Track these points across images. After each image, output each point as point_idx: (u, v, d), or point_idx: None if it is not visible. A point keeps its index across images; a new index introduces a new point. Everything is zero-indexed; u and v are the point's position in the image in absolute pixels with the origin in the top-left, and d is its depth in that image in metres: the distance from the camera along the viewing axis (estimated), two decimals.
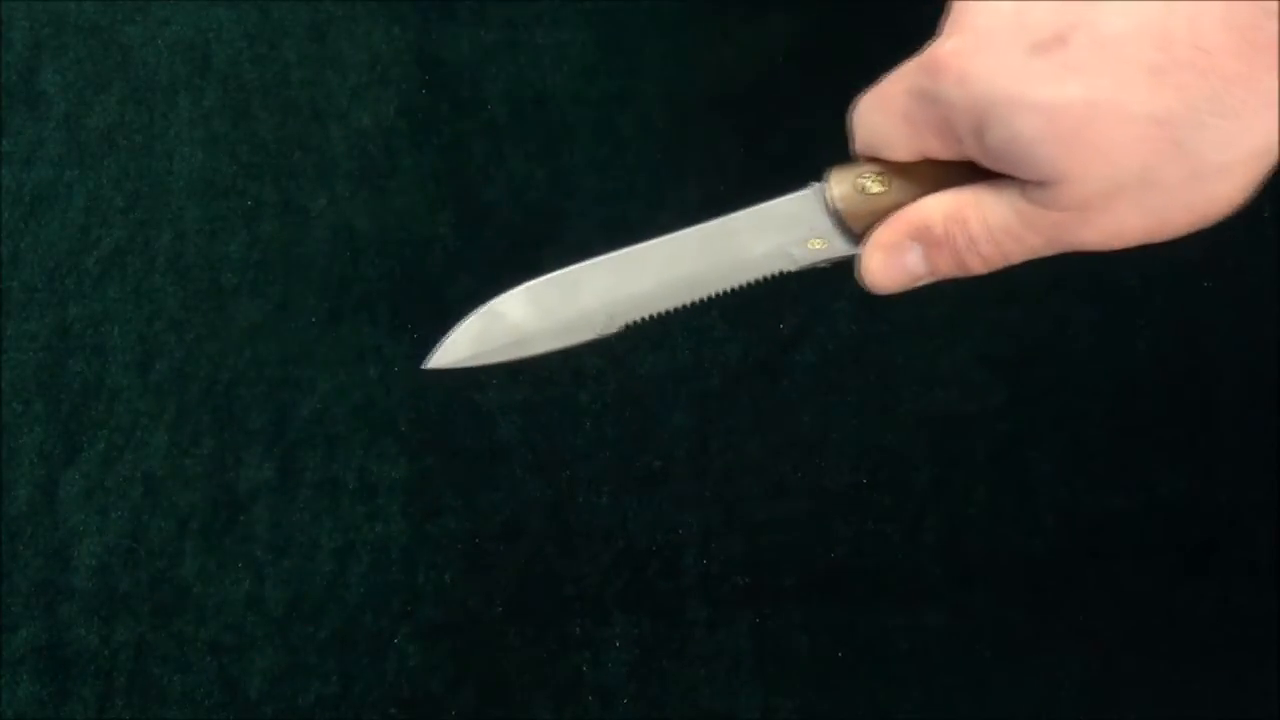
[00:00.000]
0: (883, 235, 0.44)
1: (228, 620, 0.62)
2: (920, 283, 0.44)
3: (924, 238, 0.43)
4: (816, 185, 0.47)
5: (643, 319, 0.49)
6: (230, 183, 0.68)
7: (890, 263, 0.44)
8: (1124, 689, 0.61)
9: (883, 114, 0.42)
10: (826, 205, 0.46)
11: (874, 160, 0.45)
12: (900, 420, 0.64)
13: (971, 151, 0.39)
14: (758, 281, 0.49)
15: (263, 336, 0.65)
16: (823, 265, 0.48)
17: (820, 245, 0.47)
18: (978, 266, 0.42)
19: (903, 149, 0.42)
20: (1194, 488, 0.63)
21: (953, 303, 0.65)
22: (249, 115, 0.69)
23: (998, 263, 0.42)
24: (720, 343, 0.65)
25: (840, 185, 0.46)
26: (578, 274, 0.50)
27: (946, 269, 0.43)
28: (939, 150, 0.41)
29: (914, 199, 0.44)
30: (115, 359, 0.65)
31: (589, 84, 0.69)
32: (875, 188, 0.45)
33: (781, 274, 0.48)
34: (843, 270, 0.67)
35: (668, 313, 0.49)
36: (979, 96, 0.37)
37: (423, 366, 0.49)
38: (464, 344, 0.50)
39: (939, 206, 0.42)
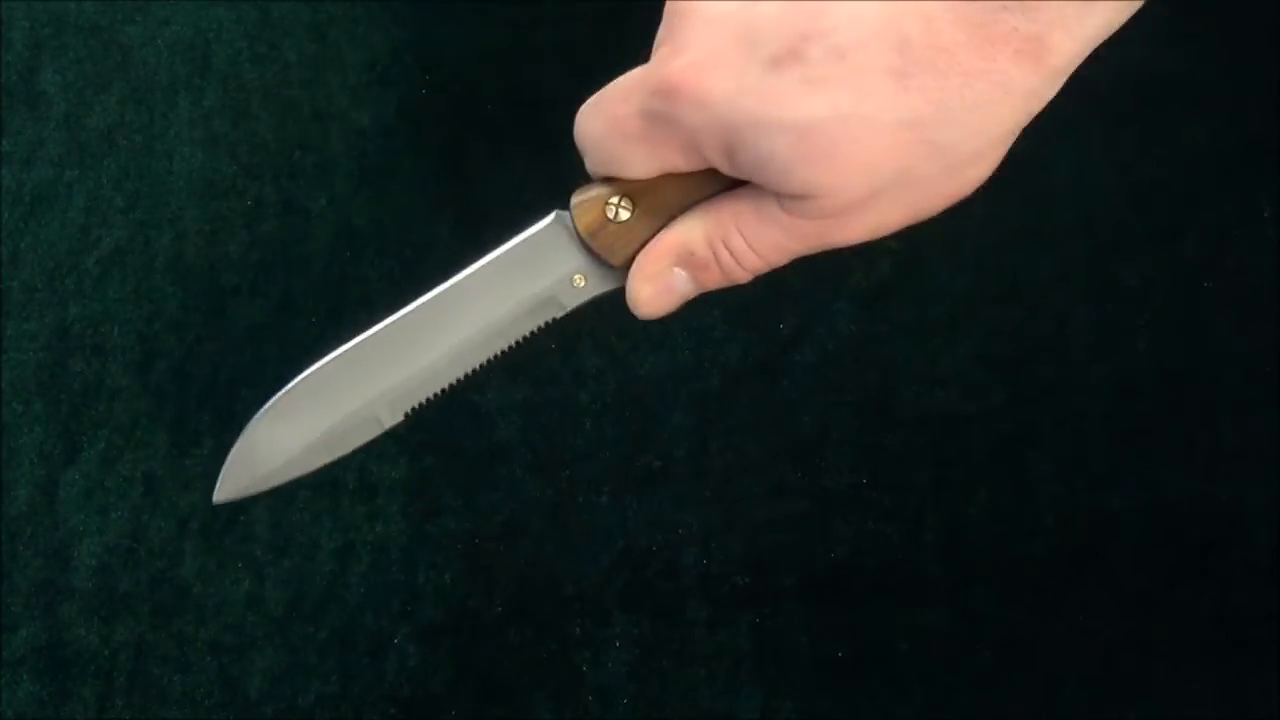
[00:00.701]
0: (647, 266, 0.42)
1: (228, 620, 0.62)
2: (689, 298, 0.43)
3: (688, 262, 0.41)
4: (561, 215, 0.45)
5: (427, 399, 0.45)
6: (230, 183, 0.68)
7: (658, 290, 0.42)
8: (1124, 689, 0.61)
9: (616, 137, 0.40)
10: (577, 238, 0.44)
11: (614, 181, 0.42)
12: (900, 420, 0.64)
13: (721, 167, 0.38)
14: (533, 333, 0.45)
15: (263, 336, 0.65)
16: (590, 301, 0.45)
17: (582, 282, 0.45)
18: (744, 278, 0.41)
19: (643, 168, 0.41)
20: (1194, 488, 0.63)
21: (953, 303, 0.65)
22: (249, 115, 0.69)
23: (763, 270, 0.41)
24: (720, 343, 0.65)
25: (586, 216, 0.43)
26: (327, 374, 0.45)
27: (714, 284, 0.42)
28: (683, 165, 0.40)
29: (667, 217, 0.42)
30: (115, 359, 0.65)
31: (589, 84, 0.69)
32: (623, 214, 0.43)
33: (554, 320, 0.45)
34: (842, 269, 0.67)
35: (453, 385, 0.45)
36: (722, 119, 0.36)
37: (214, 500, 0.46)
38: (240, 476, 0.47)
39: (698, 227, 0.41)
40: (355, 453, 0.45)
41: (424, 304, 0.45)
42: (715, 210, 0.41)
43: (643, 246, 0.43)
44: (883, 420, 0.64)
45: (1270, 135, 0.64)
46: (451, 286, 0.45)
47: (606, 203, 0.43)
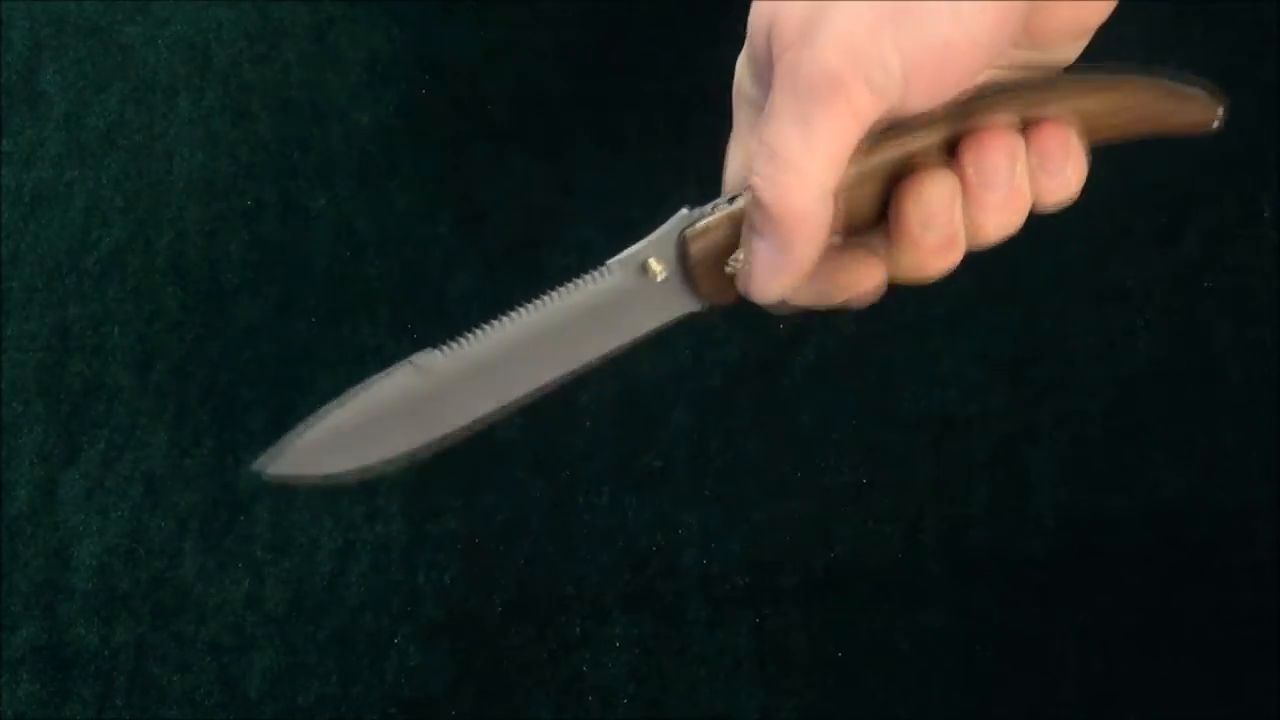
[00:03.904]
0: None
1: (228, 620, 0.62)
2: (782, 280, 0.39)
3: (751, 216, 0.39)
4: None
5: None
6: (230, 183, 0.68)
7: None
8: (1124, 689, 0.61)
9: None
10: (681, 256, 0.41)
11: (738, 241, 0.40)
12: (900, 420, 0.64)
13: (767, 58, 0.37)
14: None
15: (263, 336, 0.65)
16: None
17: (660, 268, 0.42)
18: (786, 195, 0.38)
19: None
20: (1194, 488, 0.63)
21: (953, 303, 0.65)
22: (249, 115, 0.69)
23: (795, 183, 0.37)
24: (720, 343, 0.65)
25: (700, 252, 0.40)
26: (430, 391, 0.42)
27: (767, 226, 0.39)
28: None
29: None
30: (115, 359, 0.65)
31: (589, 84, 0.69)
32: (730, 268, 0.42)
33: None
34: None
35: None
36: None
37: (267, 474, 0.42)
38: (306, 461, 0.43)
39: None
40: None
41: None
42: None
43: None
44: (883, 420, 0.64)
45: (1270, 135, 0.64)
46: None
47: (728, 253, 0.41)
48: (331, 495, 0.63)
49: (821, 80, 0.35)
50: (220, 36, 0.69)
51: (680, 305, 0.43)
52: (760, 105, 0.38)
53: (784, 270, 0.39)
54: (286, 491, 0.63)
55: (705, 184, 0.71)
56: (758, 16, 0.37)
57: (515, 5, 0.69)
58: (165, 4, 0.70)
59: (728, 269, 0.41)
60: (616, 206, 0.67)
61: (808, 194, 0.36)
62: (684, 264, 0.42)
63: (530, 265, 0.67)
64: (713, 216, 0.41)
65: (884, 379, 0.64)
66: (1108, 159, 0.70)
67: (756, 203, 0.38)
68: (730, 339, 0.65)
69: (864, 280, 0.41)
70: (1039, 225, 0.69)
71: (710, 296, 0.42)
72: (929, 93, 0.37)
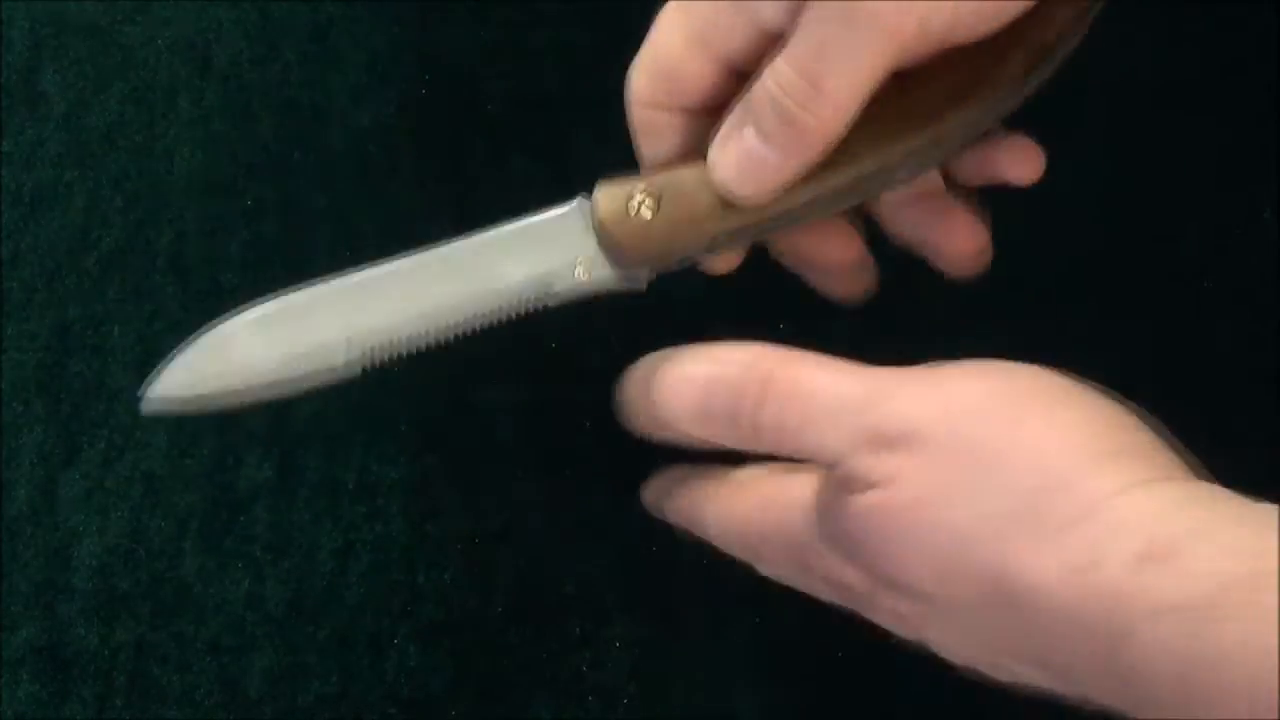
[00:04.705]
0: (718, 132, 0.41)
1: (228, 620, 0.62)
2: (779, 172, 0.40)
3: (755, 108, 0.40)
4: (583, 202, 0.42)
5: (389, 356, 0.43)
6: (230, 183, 0.68)
7: (737, 156, 0.40)
8: None
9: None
10: (592, 227, 0.42)
11: (645, 176, 0.40)
12: None
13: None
14: (516, 316, 0.44)
15: None
16: (584, 297, 0.43)
17: (584, 275, 0.43)
18: (823, 110, 0.39)
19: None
20: None
21: (953, 303, 0.65)
22: (249, 115, 0.69)
23: (844, 91, 0.39)
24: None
25: (608, 207, 0.41)
26: (309, 297, 0.43)
27: (788, 133, 0.40)
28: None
29: (688, 219, 0.41)
30: (115, 359, 0.65)
31: (589, 84, 0.69)
32: (646, 213, 0.42)
33: (543, 307, 0.44)
34: None
35: (422, 350, 0.43)
36: None
37: (142, 408, 0.42)
38: (182, 383, 0.44)
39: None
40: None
41: (418, 257, 0.43)
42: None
43: (659, 253, 0.42)
44: None
45: (1270, 135, 0.64)
46: (450, 246, 0.43)
47: (631, 197, 0.41)
48: (332, 494, 0.63)
49: (876, 20, 0.36)
50: (220, 36, 0.69)
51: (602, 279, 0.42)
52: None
53: (780, 172, 0.40)
54: (287, 491, 0.63)
55: None
56: None
57: (515, 5, 0.69)
58: (165, 4, 0.70)
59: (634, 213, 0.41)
60: None
61: (840, 122, 0.38)
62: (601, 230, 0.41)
63: None
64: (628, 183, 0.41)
65: None
66: (1107, 158, 0.70)
67: (782, 118, 0.39)
68: (730, 339, 0.65)
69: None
70: (1039, 225, 0.69)
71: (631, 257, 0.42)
72: (973, 26, 0.37)
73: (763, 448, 0.41)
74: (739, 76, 0.42)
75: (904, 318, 0.65)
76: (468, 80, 0.69)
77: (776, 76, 0.38)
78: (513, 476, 0.64)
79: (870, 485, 0.36)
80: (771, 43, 0.40)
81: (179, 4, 0.70)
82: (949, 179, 0.45)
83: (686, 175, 0.42)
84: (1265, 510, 0.32)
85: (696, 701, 0.61)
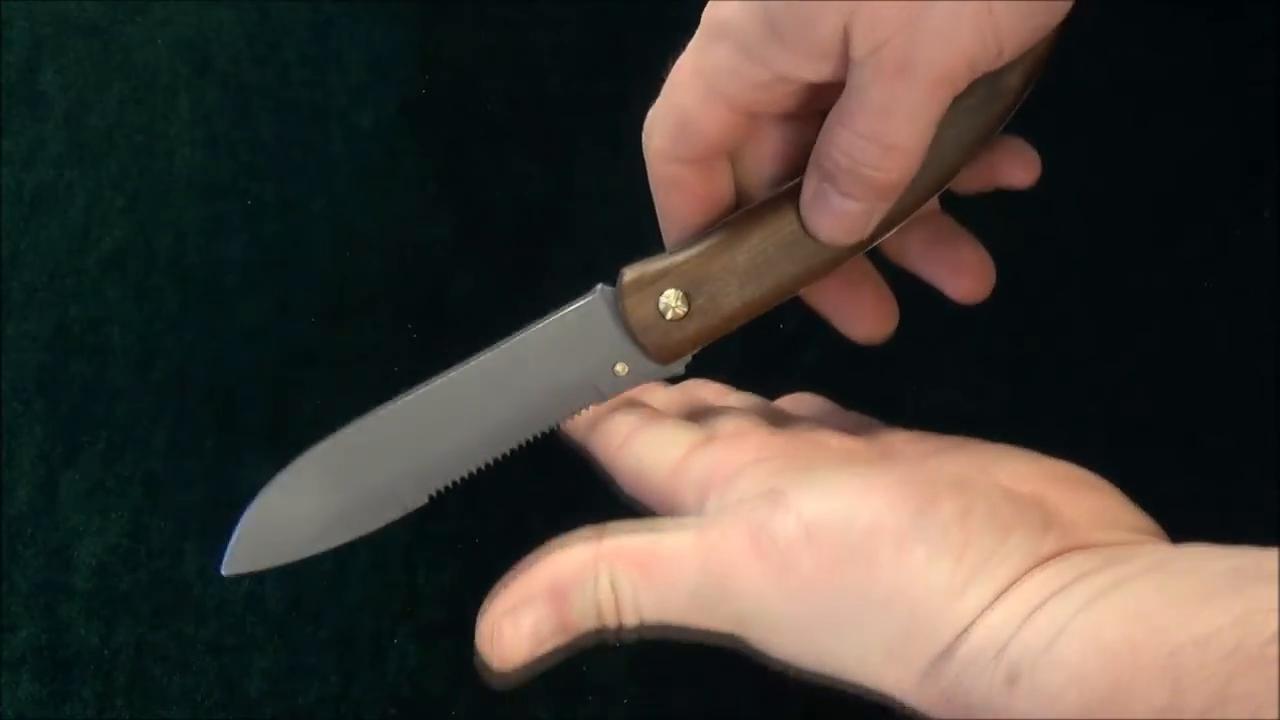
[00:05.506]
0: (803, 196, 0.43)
1: (228, 620, 0.62)
2: (870, 223, 0.43)
3: (823, 170, 0.41)
4: (605, 292, 0.40)
5: (455, 481, 0.43)
6: (230, 183, 0.68)
7: (835, 215, 0.42)
8: None
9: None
10: (621, 323, 0.40)
11: (671, 268, 0.39)
12: (901, 420, 0.64)
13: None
14: (570, 414, 0.42)
15: (263, 336, 0.65)
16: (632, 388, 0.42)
17: (624, 370, 0.42)
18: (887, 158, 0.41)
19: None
20: (1194, 488, 0.63)
21: (953, 303, 0.65)
22: (249, 115, 0.69)
23: (905, 141, 0.39)
24: (721, 344, 0.65)
25: (638, 310, 0.40)
26: (347, 445, 0.42)
27: (865, 190, 0.41)
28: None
29: (724, 312, 0.41)
30: (115, 359, 0.65)
31: (589, 84, 0.69)
32: (679, 309, 0.41)
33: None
34: None
35: (483, 468, 0.43)
36: None
37: (223, 572, 0.42)
38: (252, 549, 0.43)
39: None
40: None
41: (455, 377, 0.42)
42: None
43: (696, 345, 0.41)
44: (883, 420, 0.64)
45: (1270, 135, 0.64)
46: (485, 361, 0.42)
47: (660, 294, 0.41)
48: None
49: (931, 72, 0.37)
50: (220, 36, 0.69)
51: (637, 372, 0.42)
52: (758, 59, 0.40)
53: (871, 215, 0.42)
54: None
55: None
56: (822, 14, 0.37)
57: (515, 5, 0.69)
58: (165, 4, 0.70)
59: (665, 313, 0.40)
60: (616, 206, 0.67)
61: (914, 166, 0.40)
62: (627, 325, 0.41)
63: (531, 265, 0.67)
64: (650, 266, 0.41)
65: (884, 379, 0.64)
66: (1107, 158, 0.70)
67: (861, 182, 0.40)
68: (730, 340, 0.65)
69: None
70: (1040, 225, 0.69)
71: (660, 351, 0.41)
72: (1010, 54, 0.38)
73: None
74: (754, 117, 0.43)
75: (904, 318, 0.65)
76: (468, 80, 0.68)
77: (846, 148, 0.39)
78: (513, 476, 0.64)
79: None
80: (792, 87, 0.40)
81: (179, 4, 0.70)
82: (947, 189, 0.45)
83: (714, 264, 0.41)
84: (1110, 577, 0.33)
85: (696, 701, 0.61)
